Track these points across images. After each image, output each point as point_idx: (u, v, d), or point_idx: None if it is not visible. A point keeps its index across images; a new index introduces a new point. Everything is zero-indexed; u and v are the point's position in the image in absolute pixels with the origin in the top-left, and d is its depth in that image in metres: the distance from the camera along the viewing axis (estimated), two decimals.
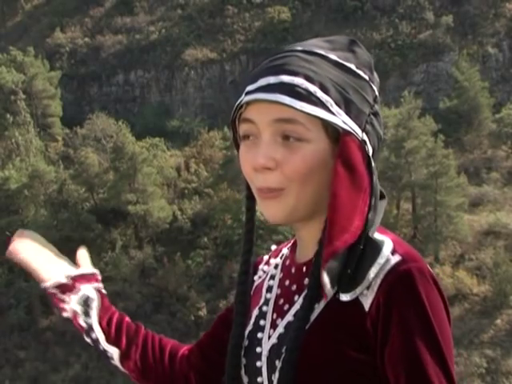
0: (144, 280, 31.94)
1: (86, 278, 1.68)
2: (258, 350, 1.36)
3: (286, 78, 1.26)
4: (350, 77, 1.29)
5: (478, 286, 28.70)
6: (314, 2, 44.15)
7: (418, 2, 42.24)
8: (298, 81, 1.25)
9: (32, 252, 1.61)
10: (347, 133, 1.26)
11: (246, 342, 1.40)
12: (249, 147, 1.30)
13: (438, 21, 40.76)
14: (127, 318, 1.64)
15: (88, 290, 1.64)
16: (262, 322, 1.39)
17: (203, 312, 30.20)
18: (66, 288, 1.61)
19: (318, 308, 1.28)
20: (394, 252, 1.25)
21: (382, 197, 1.33)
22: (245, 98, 1.29)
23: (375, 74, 1.35)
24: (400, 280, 1.21)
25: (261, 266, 1.52)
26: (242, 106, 1.31)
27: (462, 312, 27.41)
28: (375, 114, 1.31)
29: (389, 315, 1.21)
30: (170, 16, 46.85)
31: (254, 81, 1.29)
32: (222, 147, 34.82)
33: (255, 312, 1.42)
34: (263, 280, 1.48)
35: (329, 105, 1.25)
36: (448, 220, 30.24)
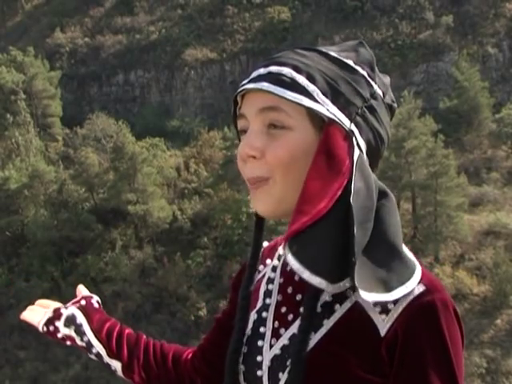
0: (144, 280, 31.92)
1: (72, 304, 1.73)
2: (259, 358, 1.33)
3: (274, 69, 1.28)
4: (344, 71, 1.29)
5: (478, 285, 28.68)
6: (314, 2, 44.14)
7: (418, 2, 42.23)
8: (285, 70, 1.27)
9: (32, 313, 1.75)
10: (332, 122, 1.26)
11: (244, 349, 1.36)
12: (242, 141, 1.32)
13: (438, 21, 40.75)
14: (128, 330, 1.66)
15: (70, 310, 1.69)
16: (261, 329, 1.35)
17: (203, 312, 30.19)
18: (53, 319, 1.68)
19: (328, 324, 1.26)
20: (419, 280, 1.22)
21: (385, 195, 1.31)
22: (237, 91, 1.32)
23: (383, 76, 1.35)
24: (423, 311, 1.19)
25: None
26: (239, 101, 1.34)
27: (462, 312, 27.38)
28: (370, 109, 1.30)
29: (407, 345, 1.19)
30: (170, 16, 46.85)
31: (249, 75, 1.32)
32: (222, 147, 34.79)
33: (253, 316, 1.39)
34: (259, 281, 1.44)
35: (315, 94, 1.25)
36: (448, 220, 30.21)
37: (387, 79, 1.36)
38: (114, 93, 45.70)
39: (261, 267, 1.47)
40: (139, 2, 48.70)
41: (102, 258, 31.95)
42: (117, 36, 46.85)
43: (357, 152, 1.26)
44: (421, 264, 1.26)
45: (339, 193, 1.23)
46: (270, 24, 43.52)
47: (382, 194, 1.30)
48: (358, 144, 1.27)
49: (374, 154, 1.32)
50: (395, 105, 1.37)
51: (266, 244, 1.51)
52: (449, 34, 40.35)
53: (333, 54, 1.31)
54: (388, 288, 1.19)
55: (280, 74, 1.27)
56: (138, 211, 32.77)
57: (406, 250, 1.26)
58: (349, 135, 1.26)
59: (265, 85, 1.26)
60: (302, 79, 1.26)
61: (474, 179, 33.37)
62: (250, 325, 1.38)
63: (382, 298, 1.18)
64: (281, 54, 1.32)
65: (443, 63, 40.01)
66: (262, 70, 1.29)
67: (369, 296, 1.18)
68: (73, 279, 31.96)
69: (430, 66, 40.31)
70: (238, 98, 1.33)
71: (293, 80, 1.26)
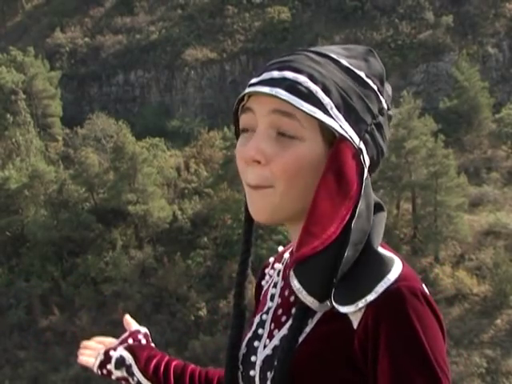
0: (144, 280, 31.92)
1: (119, 343, 1.79)
2: (253, 358, 1.35)
3: (289, 75, 1.24)
4: (356, 84, 1.27)
5: (478, 285, 28.69)
6: (314, 1, 44.14)
7: (418, 2, 42.23)
8: (301, 79, 1.24)
9: (87, 355, 1.80)
10: (343, 138, 1.23)
11: (244, 350, 1.39)
12: (245, 140, 1.28)
13: (438, 21, 40.76)
14: (176, 362, 1.70)
15: (118, 352, 1.74)
16: (260, 331, 1.37)
17: (203, 312, 30.20)
18: (105, 363, 1.74)
19: (312, 323, 1.26)
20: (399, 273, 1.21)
21: (380, 209, 1.30)
22: (246, 90, 1.28)
23: (387, 87, 1.33)
24: (388, 299, 1.17)
25: (267, 270, 1.50)
26: (244, 99, 1.30)
27: (462, 312, 27.40)
28: (378, 126, 1.28)
29: (377, 336, 1.18)
30: (170, 16, 46.85)
31: (259, 74, 1.28)
32: (222, 147, 34.81)
33: (256, 319, 1.41)
34: (269, 285, 1.46)
35: (328, 107, 1.23)
36: (448, 220, 30.22)
37: (389, 89, 1.35)
38: (114, 93, 45.70)
39: (271, 272, 1.48)
40: (139, 2, 48.71)
41: (102, 258, 31.95)
42: (117, 36, 46.85)
43: (365, 174, 1.26)
44: (399, 257, 1.25)
45: (347, 217, 1.22)
46: (270, 24, 43.53)
47: (377, 209, 1.29)
48: (364, 161, 1.26)
49: (373, 167, 1.31)
50: (392, 113, 1.36)
51: (280, 249, 1.52)
52: (449, 33, 40.36)
53: (345, 63, 1.28)
54: (367, 291, 1.19)
55: (296, 82, 1.23)
56: (138, 211, 32.79)
57: (381, 249, 1.25)
58: (357, 153, 1.25)
59: (280, 92, 1.22)
60: (317, 90, 1.23)
61: (474, 179, 33.38)
62: (253, 327, 1.40)
63: (363, 304, 1.19)
64: (294, 57, 1.27)
65: (443, 63, 40.02)
66: (275, 74, 1.25)
67: (349, 308, 1.19)
68: (73, 279, 31.98)
69: (430, 66, 40.32)
70: (245, 96, 1.30)
71: (309, 90, 1.23)
